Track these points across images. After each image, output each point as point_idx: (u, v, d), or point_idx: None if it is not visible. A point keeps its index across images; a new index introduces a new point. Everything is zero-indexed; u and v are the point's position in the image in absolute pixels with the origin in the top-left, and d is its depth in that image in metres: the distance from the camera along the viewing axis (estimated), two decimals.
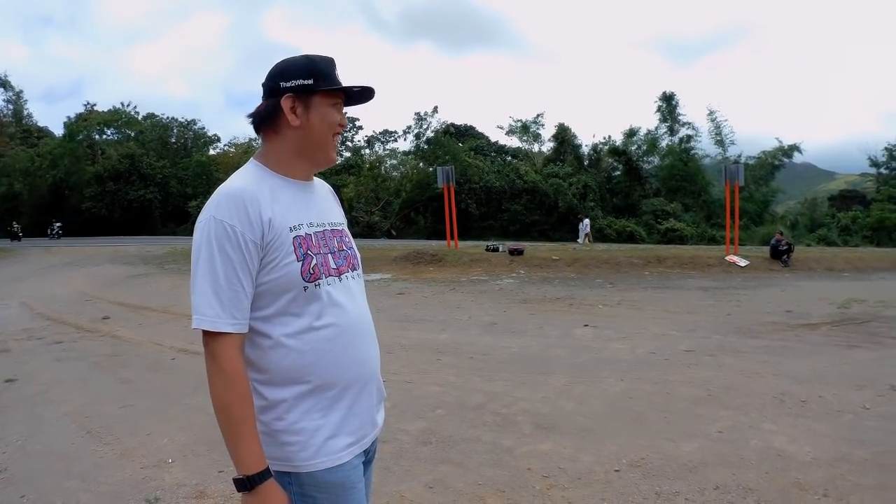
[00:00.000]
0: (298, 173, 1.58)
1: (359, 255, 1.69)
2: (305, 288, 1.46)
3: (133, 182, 38.49)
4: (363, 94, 1.62)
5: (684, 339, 7.58)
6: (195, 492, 3.46)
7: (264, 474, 1.37)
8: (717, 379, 5.66)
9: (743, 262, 16.37)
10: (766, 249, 17.78)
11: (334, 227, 1.62)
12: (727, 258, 16.72)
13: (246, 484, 1.36)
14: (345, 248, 1.61)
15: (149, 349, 7.19)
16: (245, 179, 1.52)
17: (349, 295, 1.56)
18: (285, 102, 1.51)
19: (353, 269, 1.62)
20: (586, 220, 27.14)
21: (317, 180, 1.70)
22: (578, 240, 26.01)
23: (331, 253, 1.55)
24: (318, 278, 1.49)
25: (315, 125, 1.53)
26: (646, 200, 38.71)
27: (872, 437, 4.13)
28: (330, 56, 1.58)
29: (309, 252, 1.49)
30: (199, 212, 1.50)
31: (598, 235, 31.74)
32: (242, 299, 1.42)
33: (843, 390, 5.26)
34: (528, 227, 36.90)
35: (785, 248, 16.94)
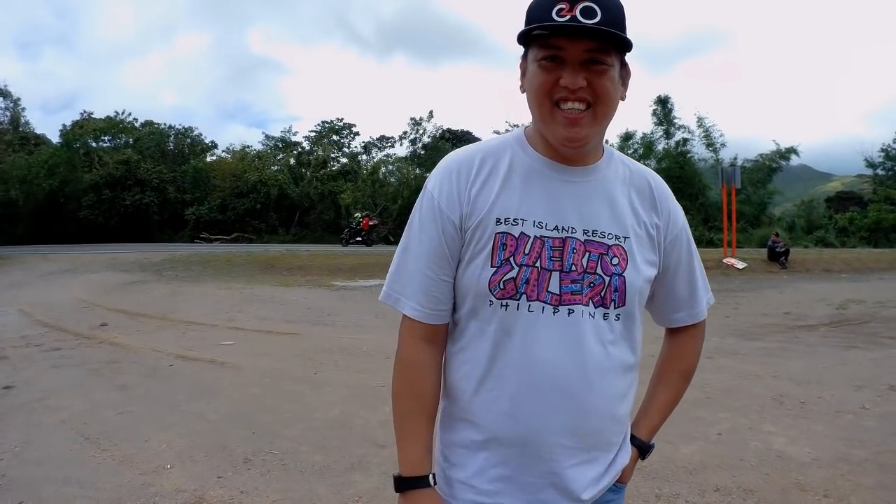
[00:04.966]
0: (556, 155, 1.18)
1: (633, 287, 1.18)
2: (491, 302, 1.14)
3: (129, 187, 38.48)
4: (605, 36, 1.05)
5: None
6: (194, 497, 3.45)
7: (416, 481, 1.20)
8: (715, 381, 5.65)
9: (741, 265, 16.40)
10: (764, 252, 17.80)
11: (592, 239, 1.16)
12: (725, 261, 16.74)
13: (396, 485, 1.22)
14: (601, 272, 1.15)
15: (147, 356, 7.17)
16: (482, 145, 1.23)
17: (563, 336, 1.13)
18: (520, 64, 1.17)
19: (602, 304, 1.16)
20: None
21: (624, 166, 1.26)
22: None
23: (562, 271, 1.14)
24: (514, 297, 1.13)
25: (528, 92, 1.14)
26: None
27: (872, 438, 4.14)
28: None
29: (512, 260, 1.13)
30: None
31: None
32: (432, 287, 1.18)
33: (842, 391, 5.27)
34: None
35: (782, 249, 16.97)
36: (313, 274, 16.84)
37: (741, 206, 28.69)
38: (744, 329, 8.43)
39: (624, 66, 1.13)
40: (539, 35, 1.06)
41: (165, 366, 6.67)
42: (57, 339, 8.30)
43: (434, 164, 1.29)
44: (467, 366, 1.19)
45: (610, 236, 1.17)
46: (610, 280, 1.15)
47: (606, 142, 1.25)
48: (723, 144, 37.48)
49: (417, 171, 40.81)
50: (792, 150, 37.00)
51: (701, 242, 30.97)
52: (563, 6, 1.03)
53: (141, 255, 20.98)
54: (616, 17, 1.05)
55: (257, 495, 3.48)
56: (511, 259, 1.12)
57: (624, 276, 1.16)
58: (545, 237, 1.14)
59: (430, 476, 1.21)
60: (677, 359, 1.43)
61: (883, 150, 36.90)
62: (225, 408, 5.12)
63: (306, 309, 11.03)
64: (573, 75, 1.06)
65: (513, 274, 1.12)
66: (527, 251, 1.13)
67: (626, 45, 1.08)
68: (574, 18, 1.03)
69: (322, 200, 39.32)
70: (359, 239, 27.21)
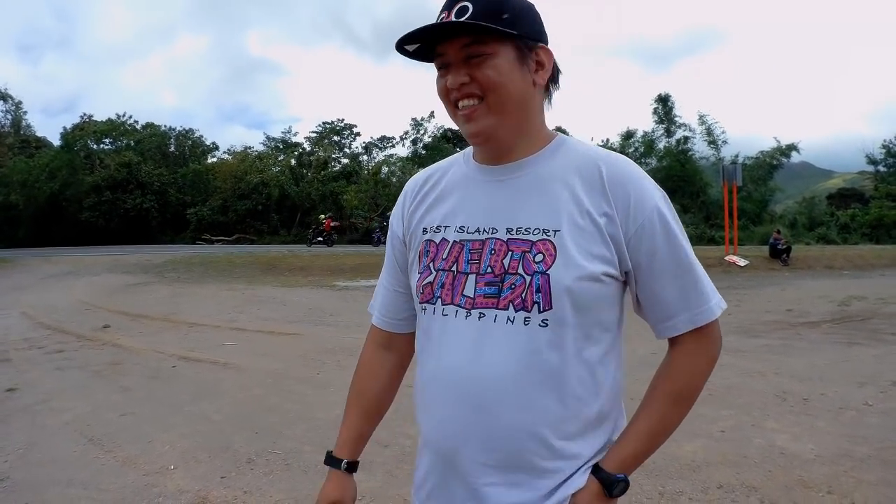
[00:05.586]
0: (484, 156, 1.17)
1: (559, 286, 1.02)
2: (417, 307, 1.22)
3: (130, 190, 38.52)
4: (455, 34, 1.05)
5: None
6: (197, 498, 3.45)
7: (333, 461, 1.31)
8: (718, 378, 5.64)
9: (742, 262, 16.39)
10: (766, 249, 17.79)
11: (515, 237, 1.08)
12: (727, 258, 16.74)
13: (325, 458, 1.33)
14: (522, 272, 1.04)
15: (149, 357, 7.18)
16: (437, 164, 1.31)
17: (472, 343, 1.06)
18: None
19: (523, 307, 1.03)
20: None
21: (574, 153, 1.13)
22: None
23: (477, 274, 1.08)
24: (430, 301, 1.14)
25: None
26: None
27: (875, 434, 4.13)
28: None
29: (431, 265, 1.15)
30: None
31: None
32: (389, 298, 1.33)
33: (844, 387, 5.27)
34: None
35: (784, 246, 16.97)
36: (315, 274, 16.86)
37: (742, 203, 28.68)
38: (746, 326, 8.43)
39: (523, 51, 1.07)
40: (424, 48, 1.10)
41: (168, 367, 6.68)
42: (59, 342, 8.32)
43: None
44: (416, 370, 1.24)
45: (536, 231, 1.06)
46: (531, 279, 1.03)
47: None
48: (724, 142, 37.45)
49: (419, 171, 40.79)
50: (793, 148, 36.98)
51: (703, 240, 30.99)
52: (444, 14, 1.05)
53: (142, 256, 21.02)
54: (488, 7, 1.03)
55: (261, 495, 3.49)
56: (431, 264, 1.15)
57: (548, 275, 1.03)
58: (465, 241, 1.12)
59: (344, 462, 1.30)
60: (666, 377, 1.13)
61: (884, 147, 36.90)
62: (228, 408, 5.13)
63: (308, 309, 11.04)
64: (454, 74, 1.07)
65: (430, 278, 1.14)
66: (444, 256, 1.13)
67: (505, 30, 1.03)
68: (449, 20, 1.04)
69: (323, 201, 39.30)
70: (320, 239, 27.78)
